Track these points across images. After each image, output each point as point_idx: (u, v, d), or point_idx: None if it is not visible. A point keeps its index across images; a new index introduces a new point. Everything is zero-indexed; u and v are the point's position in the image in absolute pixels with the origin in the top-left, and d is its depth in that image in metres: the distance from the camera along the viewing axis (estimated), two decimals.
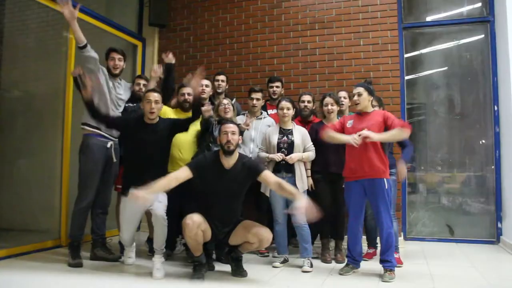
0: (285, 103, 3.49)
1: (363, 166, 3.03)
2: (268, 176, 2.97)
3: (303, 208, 2.67)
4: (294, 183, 3.34)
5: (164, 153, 3.28)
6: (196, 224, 2.83)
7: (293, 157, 3.37)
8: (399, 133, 2.94)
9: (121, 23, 4.99)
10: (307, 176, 3.50)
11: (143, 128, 3.17)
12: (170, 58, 3.77)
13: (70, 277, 2.97)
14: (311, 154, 3.48)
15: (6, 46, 4.45)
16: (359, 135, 2.93)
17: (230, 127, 2.97)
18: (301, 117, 3.83)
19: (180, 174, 2.87)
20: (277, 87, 4.17)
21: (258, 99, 3.84)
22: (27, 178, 4.36)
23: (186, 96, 3.60)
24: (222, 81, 4.11)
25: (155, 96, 3.17)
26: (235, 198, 3.05)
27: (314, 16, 4.87)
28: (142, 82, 3.94)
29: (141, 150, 3.12)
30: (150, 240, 3.58)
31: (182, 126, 3.33)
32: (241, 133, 3.27)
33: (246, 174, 2.98)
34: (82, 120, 3.41)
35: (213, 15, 5.23)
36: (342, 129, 3.18)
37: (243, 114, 3.91)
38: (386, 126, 3.02)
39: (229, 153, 2.93)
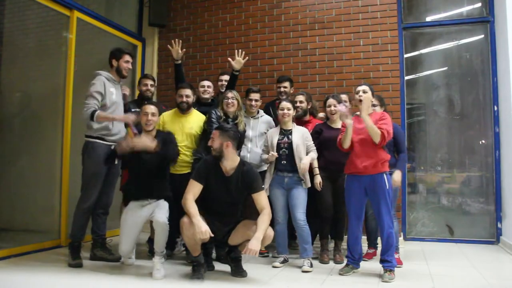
0: (285, 104, 3.50)
1: (364, 161, 3.04)
2: (260, 198, 2.98)
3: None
4: (296, 182, 3.36)
5: (163, 165, 3.25)
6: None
7: (304, 162, 3.34)
8: (376, 134, 2.97)
9: (121, 23, 4.99)
10: (315, 174, 3.48)
11: None
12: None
13: (70, 277, 2.97)
14: (313, 155, 3.46)
15: (6, 46, 4.44)
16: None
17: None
18: (296, 117, 3.82)
19: (195, 191, 2.93)
20: (284, 87, 4.10)
21: (256, 100, 3.82)
22: (27, 178, 4.35)
23: (184, 98, 3.59)
24: (226, 81, 4.11)
25: (152, 108, 3.18)
26: (235, 203, 3.07)
27: (314, 16, 4.87)
28: (150, 82, 3.96)
29: (140, 165, 3.13)
30: (150, 240, 3.58)
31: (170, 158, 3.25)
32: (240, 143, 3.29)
33: (243, 185, 3.00)
34: (86, 133, 3.41)
35: (213, 15, 5.23)
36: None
37: None
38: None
39: (227, 158, 2.96)
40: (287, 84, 4.12)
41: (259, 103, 3.86)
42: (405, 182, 4.52)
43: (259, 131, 3.74)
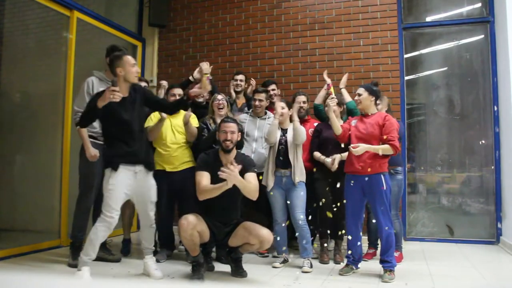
0: (279, 103, 3.52)
1: (362, 161, 3.04)
2: (250, 177, 2.99)
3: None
4: (292, 181, 3.35)
5: (142, 120, 3.11)
6: (191, 225, 2.83)
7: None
8: (388, 150, 3.00)
9: (121, 23, 4.99)
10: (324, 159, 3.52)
11: (118, 104, 2.82)
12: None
13: (70, 277, 2.97)
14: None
15: (6, 46, 4.44)
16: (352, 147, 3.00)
17: (230, 126, 3.02)
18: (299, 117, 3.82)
19: (205, 178, 2.97)
20: (273, 90, 4.15)
21: (261, 100, 3.83)
22: (27, 178, 4.35)
23: (177, 97, 3.57)
24: (241, 80, 4.20)
25: None
26: (235, 196, 3.05)
27: (314, 16, 4.87)
28: (143, 84, 3.97)
29: (122, 125, 2.86)
30: None
31: (163, 107, 3.19)
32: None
33: (241, 170, 2.99)
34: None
35: (213, 16, 5.24)
36: (349, 128, 3.21)
37: (246, 113, 3.91)
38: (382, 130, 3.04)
39: (228, 151, 3.00)
40: (274, 86, 4.19)
41: (263, 103, 3.86)
42: (405, 182, 4.51)
43: (265, 132, 3.74)
